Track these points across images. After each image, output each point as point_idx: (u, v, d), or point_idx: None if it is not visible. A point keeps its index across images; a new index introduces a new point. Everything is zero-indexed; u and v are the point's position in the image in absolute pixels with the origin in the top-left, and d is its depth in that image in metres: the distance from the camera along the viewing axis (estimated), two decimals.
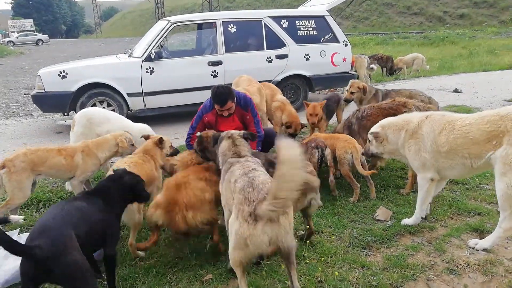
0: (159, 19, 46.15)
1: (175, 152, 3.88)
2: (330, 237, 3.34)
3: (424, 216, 3.54)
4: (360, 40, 25.38)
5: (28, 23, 62.42)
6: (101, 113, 4.76)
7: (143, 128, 4.63)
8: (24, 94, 11.84)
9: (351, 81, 5.92)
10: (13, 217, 3.13)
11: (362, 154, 3.96)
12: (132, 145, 4.04)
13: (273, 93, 5.83)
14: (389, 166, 4.89)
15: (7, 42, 45.09)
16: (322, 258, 2.99)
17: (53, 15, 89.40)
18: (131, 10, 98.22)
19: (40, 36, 51.56)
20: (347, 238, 3.32)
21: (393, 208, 3.83)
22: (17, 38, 48.61)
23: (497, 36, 25.33)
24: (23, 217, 3.66)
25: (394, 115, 4.01)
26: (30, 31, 57.26)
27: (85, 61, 7.91)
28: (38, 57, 27.31)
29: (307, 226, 3.22)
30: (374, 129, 3.60)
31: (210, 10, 44.31)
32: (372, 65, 11.01)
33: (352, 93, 5.73)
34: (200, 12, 45.17)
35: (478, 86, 10.24)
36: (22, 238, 3.05)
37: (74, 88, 6.41)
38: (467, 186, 4.26)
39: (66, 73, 6.44)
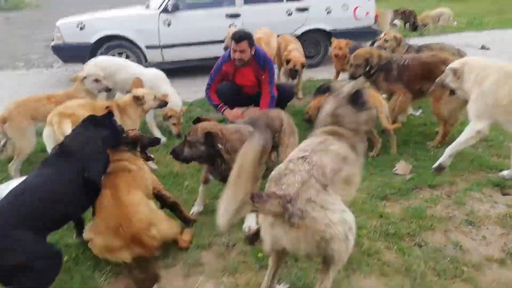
0: None
1: (163, 103, 3.93)
2: None
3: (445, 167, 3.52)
4: None
5: None
6: (113, 62, 4.78)
7: (156, 73, 4.64)
8: (44, 46, 11.87)
9: (386, 31, 5.71)
10: None
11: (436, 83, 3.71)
12: (96, 80, 4.07)
13: (287, 43, 5.83)
14: (410, 122, 4.82)
15: None
16: None
17: None
18: None
19: None
20: (366, 190, 3.35)
21: (413, 162, 3.81)
22: None
23: None
24: None
25: (432, 71, 3.92)
26: None
27: (102, 12, 7.78)
28: (54, 9, 27.05)
29: None
30: (454, 64, 3.47)
31: None
32: (395, 21, 10.52)
33: (386, 40, 5.41)
34: None
35: (507, 43, 9.78)
36: None
37: (92, 40, 6.39)
38: (490, 143, 4.18)
39: (84, 25, 6.41)
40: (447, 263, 2.39)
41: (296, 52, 5.55)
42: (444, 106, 3.95)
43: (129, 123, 3.62)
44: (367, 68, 4.27)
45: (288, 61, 5.41)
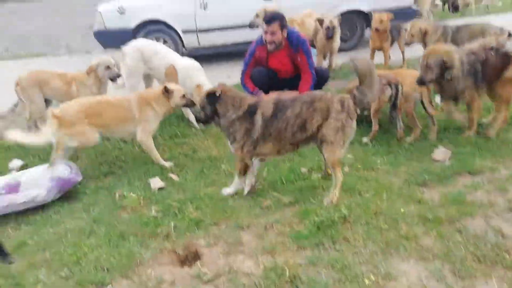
0: None
1: (190, 103, 3.77)
2: (386, 175, 3.38)
3: None
4: None
5: None
6: (151, 46, 4.75)
7: (191, 63, 4.59)
8: (83, 31, 12.25)
9: (412, 22, 5.40)
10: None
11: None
12: (108, 67, 4.30)
13: None
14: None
15: None
16: (377, 193, 3.06)
17: None
18: None
19: None
20: (403, 175, 3.34)
21: (453, 149, 3.73)
22: None
23: None
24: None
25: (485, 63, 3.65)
26: None
27: None
28: None
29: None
30: None
31: None
32: (436, 2, 10.06)
33: (412, 35, 5.20)
34: None
35: None
36: None
37: (132, 24, 6.55)
38: None
39: (124, 9, 6.58)
40: (488, 249, 2.37)
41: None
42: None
43: (151, 116, 3.68)
44: (443, 73, 3.60)
45: (321, 22, 5.35)
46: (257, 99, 3.15)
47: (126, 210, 3.11)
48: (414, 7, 7.72)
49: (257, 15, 5.87)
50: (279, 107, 2.96)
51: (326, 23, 5.34)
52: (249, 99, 3.08)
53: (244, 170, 3.12)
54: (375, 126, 3.96)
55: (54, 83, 4.32)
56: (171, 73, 4.35)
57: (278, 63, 4.40)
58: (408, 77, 3.86)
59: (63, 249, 2.67)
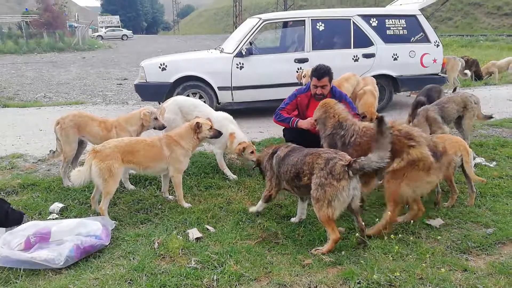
0: (236, 17, 47.60)
1: (218, 134, 4.17)
2: (427, 239, 3.32)
3: None
4: (443, 42, 23.87)
5: (115, 19, 67.34)
6: (189, 101, 5.20)
7: (224, 115, 4.95)
8: (117, 84, 12.98)
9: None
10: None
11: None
12: (156, 119, 4.45)
13: (366, 83, 6.25)
14: (485, 173, 4.68)
15: (97, 36, 49.18)
16: (421, 258, 3.00)
17: (136, 12, 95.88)
18: (207, 8, 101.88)
19: (125, 31, 55.56)
20: (444, 241, 3.28)
21: (492, 216, 3.69)
22: (105, 33, 52.83)
23: None
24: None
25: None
26: (116, 26, 61.86)
27: (181, 55, 8.48)
28: (124, 51, 29.59)
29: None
30: None
31: (285, 9, 44.49)
32: (466, 71, 10.36)
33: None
34: (274, 10, 45.66)
35: None
36: None
37: (172, 79, 6.94)
38: None
39: (166, 66, 7.00)
40: None
41: (367, 104, 5.76)
42: None
43: (180, 154, 3.97)
44: None
45: (363, 116, 5.52)
46: (279, 146, 3.72)
47: (166, 259, 3.11)
48: (442, 74, 7.97)
49: (304, 75, 6.21)
50: (288, 153, 3.47)
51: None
52: (276, 146, 3.75)
53: (268, 199, 3.66)
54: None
55: (91, 128, 4.42)
56: None
57: None
58: (451, 142, 3.90)
59: None
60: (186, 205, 4.04)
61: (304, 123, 4.40)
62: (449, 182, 3.89)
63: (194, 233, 3.47)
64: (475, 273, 2.81)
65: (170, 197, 4.24)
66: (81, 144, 4.63)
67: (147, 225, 3.73)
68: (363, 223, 3.23)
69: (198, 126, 3.98)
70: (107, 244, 3.34)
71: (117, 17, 68.89)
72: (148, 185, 4.55)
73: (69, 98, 10.30)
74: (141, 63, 7.46)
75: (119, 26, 63.01)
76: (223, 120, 4.85)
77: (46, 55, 25.07)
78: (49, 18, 34.03)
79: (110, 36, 50.59)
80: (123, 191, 4.38)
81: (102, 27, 61.25)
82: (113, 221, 3.66)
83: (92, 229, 3.37)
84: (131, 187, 4.46)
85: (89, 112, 4.80)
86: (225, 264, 2.97)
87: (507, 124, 6.75)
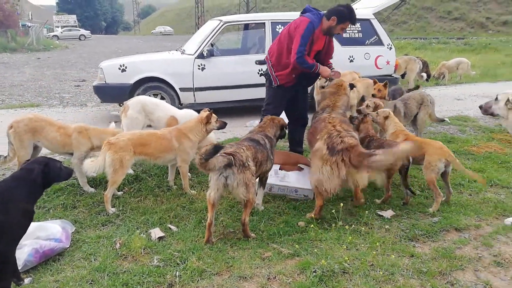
0: (198, 18, 47.30)
1: (223, 125, 4.38)
2: (379, 229, 3.55)
3: None
4: (398, 44, 24.96)
5: (72, 18, 64.91)
6: (152, 101, 5.26)
7: (190, 113, 5.04)
8: (75, 85, 12.60)
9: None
10: None
11: (480, 107, 3.80)
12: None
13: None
14: None
15: (52, 36, 47.20)
16: (373, 246, 3.21)
17: (95, 12, 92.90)
18: (168, 8, 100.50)
19: (83, 31, 53.69)
20: (394, 230, 3.52)
21: (439, 207, 3.97)
22: (61, 32, 50.80)
23: None
24: None
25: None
26: (73, 26, 59.66)
27: (142, 56, 8.40)
28: (81, 52, 28.63)
29: None
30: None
31: (247, 11, 44.77)
32: (423, 73, 11.01)
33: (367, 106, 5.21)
34: (236, 12, 45.80)
35: None
36: None
37: (132, 81, 6.89)
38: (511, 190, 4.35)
39: (126, 67, 6.93)
40: None
41: None
42: None
43: (188, 147, 4.19)
44: None
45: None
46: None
47: (128, 259, 3.14)
48: (395, 75, 8.40)
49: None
50: None
51: None
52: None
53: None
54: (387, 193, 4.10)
55: (47, 132, 4.24)
56: (172, 123, 4.67)
57: (319, 45, 4.65)
58: (430, 147, 3.95)
59: None
60: (192, 192, 4.34)
61: (324, 71, 4.60)
62: (432, 186, 3.91)
63: (156, 232, 3.51)
64: (420, 258, 3.05)
65: (174, 186, 4.49)
66: (36, 149, 4.47)
67: (108, 227, 3.71)
68: None
69: (207, 118, 4.20)
70: (68, 246, 3.31)
71: (74, 16, 66.45)
72: None
73: (23, 101, 9.90)
74: (100, 64, 7.35)
75: (76, 26, 60.79)
76: (189, 117, 4.86)
77: None
78: (0, 17, 32.32)
79: (67, 36, 48.70)
80: (82, 194, 4.33)
81: (58, 27, 58.89)
82: (73, 224, 3.63)
83: (52, 232, 3.33)
84: (91, 189, 4.40)
85: (46, 116, 4.66)
86: (187, 261, 3.03)
87: (454, 121, 7.23)
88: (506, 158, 5.31)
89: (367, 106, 4.87)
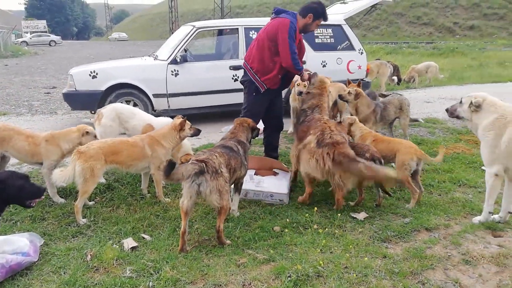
0: (172, 23, 46.94)
1: (197, 132, 4.33)
2: (352, 232, 3.60)
3: (492, 212, 3.65)
4: (370, 49, 25.59)
5: (41, 24, 63.23)
6: (128, 109, 5.14)
7: (166, 120, 4.96)
8: (44, 93, 12.24)
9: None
10: None
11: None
12: (95, 136, 4.34)
13: None
14: None
15: (21, 42, 45.78)
16: (346, 249, 3.25)
17: (65, 17, 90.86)
18: (142, 13, 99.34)
19: (53, 37, 52.38)
20: (367, 232, 3.58)
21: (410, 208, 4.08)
22: (30, 38, 49.38)
23: (507, 48, 25.49)
24: None
25: None
26: (43, 32, 58.11)
27: (114, 62, 8.25)
28: (52, 58, 27.88)
29: None
30: (477, 96, 3.60)
31: (222, 16, 44.84)
32: (394, 77, 11.32)
33: (349, 93, 5.47)
34: (211, 17, 45.79)
35: None
36: None
37: (104, 87, 6.74)
38: (479, 190, 4.49)
39: (97, 73, 6.78)
40: None
41: None
42: None
43: (163, 154, 4.14)
44: None
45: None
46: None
47: (99, 271, 3.06)
48: (366, 79, 8.58)
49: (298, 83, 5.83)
50: None
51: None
52: None
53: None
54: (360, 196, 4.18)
55: (14, 141, 4.09)
56: (148, 131, 4.60)
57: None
58: (402, 147, 4.13)
59: None
60: (166, 200, 4.30)
61: (304, 73, 4.69)
62: (407, 183, 4.04)
63: (129, 242, 3.44)
64: (393, 259, 3.11)
65: (148, 194, 4.44)
66: (4, 159, 4.32)
67: (79, 238, 3.61)
68: None
69: (181, 125, 4.17)
70: (36, 260, 3.19)
71: (44, 21, 64.71)
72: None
73: None
74: (70, 70, 7.16)
75: (46, 32, 59.26)
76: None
77: None
78: None
79: (36, 42, 47.35)
80: (52, 205, 4.19)
81: (27, 33, 57.18)
82: (42, 237, 3.51)
83: (19, 246, 3.20)
84: (61, 200, 4.27)
85: (14, 125, 4.49)
86: (161, 271, 2.98)
87: (424, 124, 7.43)
88: (473, 159, 5.50)
89: (349, 93, 5.20)
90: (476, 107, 3.54)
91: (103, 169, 3.89)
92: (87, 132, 4.27)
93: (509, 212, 3.67)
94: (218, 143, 3.86)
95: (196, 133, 4.35)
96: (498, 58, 19.21)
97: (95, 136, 4.36)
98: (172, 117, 5.13)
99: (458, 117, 3.80)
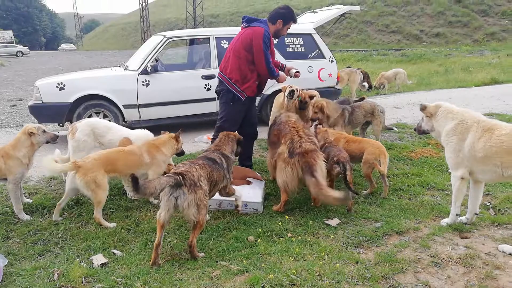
0: (144, 33, 46.47)
1: (180, 147, 4.49)
2: (325, 238, 3.62)
3: (459, 214, 3.76)
4: (341, 57, 26.16)
5: (8, 34, 61.39)
6: (103, 123, 4.97)
7: (144, 133, 4.90)
8: (10, 105, 11.82)
9: (314, 100, 5.56)
10: None
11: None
12: (44, 131, 4.21)
13: None
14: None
15: None
16: (319, 256, 3.27)
17: (33, 27, 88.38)
18: (113, 23, 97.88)
19: (20, 47, 50.86)
20: (340, 238, 3.61)
21: (380, 212, 4.16)
22: None
23: (471, 54, 26.56)
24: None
25: None
26: (9, 42, 56.34)
27: (82, 73, 8.06)
28: (19, 69, 27.01)
29: None
30: (427, 103, 3.77)
31: (195, 25, 44.78)
32: (364, 83, 11.59)
33: (315, 112, 5.55)
34: (184, 27, 45.62)
35: (454, 101, 10.57)
36: None
37: (72, 99, 6.56)
38: (447, 192, 4.63)
39: (64, 85, 6.60)
40: None
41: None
42: None
43: (163, 160, 4.32)
44: None
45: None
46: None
47: None
48: (337, 87, 8.73)
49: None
50: None
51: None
52: None
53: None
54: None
55: None
56: (125, 144, 4.59)
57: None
58: (369, 146, 4.62)
59: None
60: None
61: (282, 78, 4.89)
62: (368, 178, 4.63)
63: (98, 259, 3.34)
64: (365, 264, 3.14)
65: (155, 201, 4.39)
66: None
67: (46, 257, 3.48)
68: None
69: (176, 137, 4.42)
70: (0, 276, 3.06)
71: (10, 32, 62.84)
72: (46, 213, 4.25)
73: None
74: (36, 82, 6.94)
75: (13, 42, 57.47)
76: (145, 137, 4.77)
77: None
78: None
79: (3, 53, 45.84)
80: (17, 222, 4.03)
81: None
82: (5, 257, 3.35)
83: None
84: (27, 217, 4.11)
85: None
86: (132, 287, 2.91)
87: (394, 130, 7.62)
88: (440, 162, 5.66)
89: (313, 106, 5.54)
90: (422, 109, 3.81)
91: (105, 179, 3.91)
92: (32, 133, 4.08)
93: (475, 214, 3.80)
94: (202, 154, 3.82)
95: (180, 149, 4.54)
96: (463, 64, 19.97)
97: (44, 131, 4.21)
98: (144, 128, 5.09)
99: (425, 132, 3.98)
